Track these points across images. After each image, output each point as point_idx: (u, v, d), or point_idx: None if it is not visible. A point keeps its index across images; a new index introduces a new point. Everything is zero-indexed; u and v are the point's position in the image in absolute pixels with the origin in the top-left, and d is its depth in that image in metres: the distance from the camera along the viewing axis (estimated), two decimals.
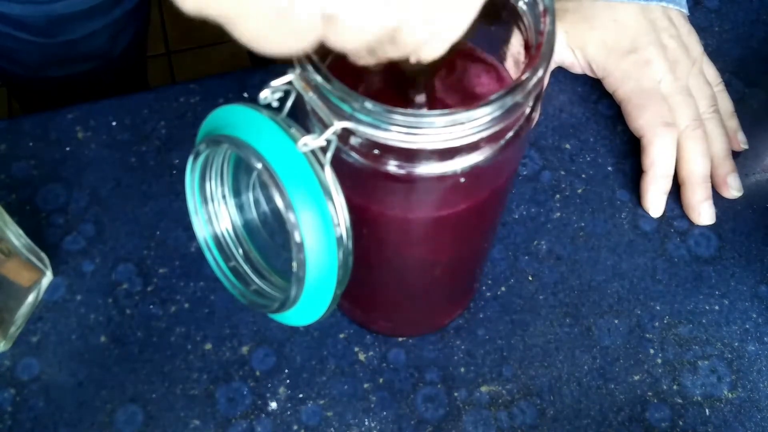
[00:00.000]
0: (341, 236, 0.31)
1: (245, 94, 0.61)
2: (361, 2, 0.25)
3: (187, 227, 0.55)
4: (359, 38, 0.27)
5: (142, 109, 0.60)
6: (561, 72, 0.63)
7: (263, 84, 0.31)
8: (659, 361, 0.53)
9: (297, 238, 0.31)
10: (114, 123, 0.59)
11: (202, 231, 0.38)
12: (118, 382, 0.51)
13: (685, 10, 0.62)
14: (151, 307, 0.53)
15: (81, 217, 0.56)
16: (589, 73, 0.62)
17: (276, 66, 0.31)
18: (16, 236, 0.50)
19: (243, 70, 0.63)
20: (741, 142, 0.60)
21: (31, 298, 0.52)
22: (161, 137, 0.59)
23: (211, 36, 1.70)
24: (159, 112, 0.60)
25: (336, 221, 0.31)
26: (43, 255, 0.52)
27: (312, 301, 0.34)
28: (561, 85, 0.63)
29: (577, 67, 0.61)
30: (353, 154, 0.32)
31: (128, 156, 0.58)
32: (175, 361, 0.51)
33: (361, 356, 0.52)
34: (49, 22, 0.71)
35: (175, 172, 0.58)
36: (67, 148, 0.58)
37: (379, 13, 0.26)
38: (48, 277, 0.53)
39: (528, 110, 0.33)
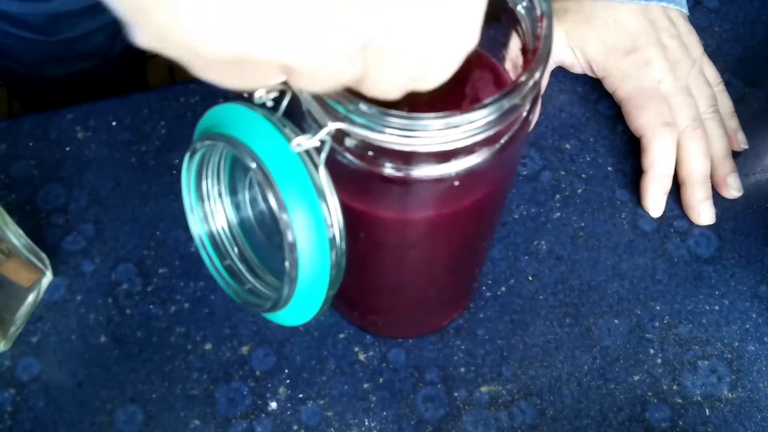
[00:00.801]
0: (334, 237, 0.31)
1: (245, 94, 0.60)
2: (319, 58, 0.24)
3: (188, 227, 0.55)
4: (322, 85, 0.26)
5: (142, 109, 0.60)
6: (561, 72, 0.63)
7: None
8: (659, 361, 0.52)
9: (289, 237, 0.31)
10: (114, 123, 0.60)
11: (197, 229, 0.38)
12: (118, 382, 0.51)
13: (685, 10, 0.62)
14: (151, 307, 0.53)
15: (81, 217, 0.56)
16: (589, 73, 0.61)
17: None
18: (16, 236, 0.50)
19: None
20: (741, 142, 0.60)
21: (31, 298, 0.52)
22: (161, 137, 0.59)
23: None
24: (159, 112, 0.60)
25: (329, 222, 0.31)
26: (43, 255, 0.52)
27: (304, 301, 0.34)
28: (561, 85, 0.63)
29: (577, 67, 0.61)
30: (348, 155, 0.32)
31: (128, 156, 0.58)
32: (175, 361, 0.51)
33: (361, 356, 0.52)
34: (49, 20, 0.71)
35: (174, 172, 0.58)
36: (67, 148, 0.58)
37: (338, 67, 0.25)
38: (48, 277, 0.53)
39: (525, 113, 0.33)
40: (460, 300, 0.53)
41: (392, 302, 0.49)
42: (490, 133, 0.31)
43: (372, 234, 0.38)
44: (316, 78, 0.25)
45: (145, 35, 0.23)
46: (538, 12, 0.32)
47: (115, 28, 0.77)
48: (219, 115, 0.34)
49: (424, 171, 0.32)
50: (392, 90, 0.27)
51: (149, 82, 0.99)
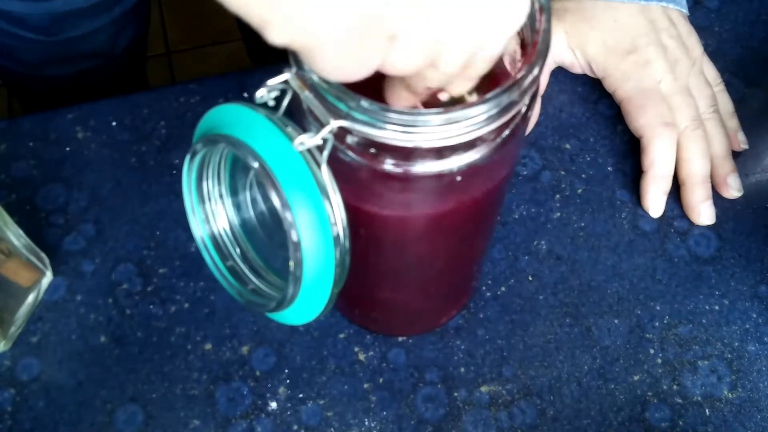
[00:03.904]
0: (338, 235, 0.31)
1: (245, 94, 0.61)
2: (416, 21, 0.27)
3: (187, 227, 0.55)
4: (411, 59, 0.29)
5: (142, 109, 0.60)
6: (561, 72, 0.63)
7: (262, 84, 0.31)
8: (659, 361, 0.52)
9: (294, 237, 0.31)
10: (114, 123, 0.60)
11: (199, 230, 0.38)
12: (118, 382, 0.51)
13: (685, 10, 0.62)
14: (151, 307, 0.53)
15: (81, 217, 0.56)
16: (589, 73, 0.61)
17: (275, 66, 0.31)
18: (16, 236, 0.50)
19: (243, 70, 0.63)
20: (741, 142, 0.60)
21: (31, 298, 0.52)
22: (161, 137, 0.59)
23: (211, 36, 1.70)
24: (159, 112, 0.60)
25: (333, 220, 0.31)
26: (43, 255, 0.52)
27: (309, 300, 0.34)
28: (561, 85, 0.63)
29: (577, 67, 0.61)
30: (350, 152, 0.32)
31: (128, 156, 0.58)
32: (175, 361, 0.51)
33: (361, 356, 0.52)
34: (50, 20, 0.71)
35: (174, 172, 0.58)
36: (67, 148, 0.58)
37: (431, 33, 0.28)
38: (48, 277, 0.53)
39: (524, 109, 0.33)
40: (459, 298, 0.53)
41: (392, 299, 0.49)
42: (490, 128, 0.31)
43: (373, 230, 0.38)
44: (409, 52, 0.29)
45: (277, 35, 0.27)
46: (537, 6, 0.33)
47: (116, 28, 0.77)
48: (219, 116, 0.34)
49: (424, 167, 0.32)
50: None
51: (149, 82, 0.99)
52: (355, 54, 0.28)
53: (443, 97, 0.34)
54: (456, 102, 0.34)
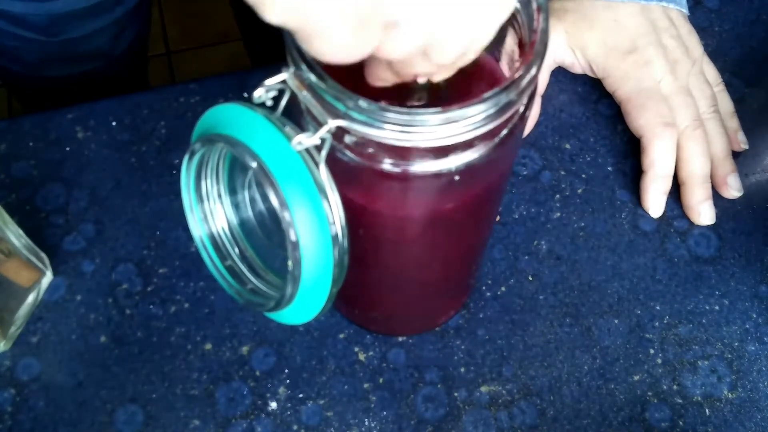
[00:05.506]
0: (336, 234, 0.31)
1: (245, 94, 0.61)
2: (417, 11, 0.27)
3: (187, 227, 0.55)
4: (406, 47, 0.29)
5: (142, 109, 0.60)
6: (561, 72, 0.63)
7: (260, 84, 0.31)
8: (659, 361, 0.52)
9: (292, 236, 0.31)
10: (114, 123, 0.60)
11: (197, 230, 0.38)
12: (118, 382, 0.51)
13: (686, 10, 0.62)
14: (151, 307, 0.53)
15: (81, 217, 0.56)
16: (589, 73, 0.61)
17: (275, 66, 0.31)
18: (16, 236, 0.50)
19: (243, 70, 0.63)
20: (741, 142, 0.60)
21: (31, 298, 0.52)
22: (161, 137, 0.59)
23: (211, 36, 1.70)
24: (159, 112, 0.60)
25: (331, 219, 0.31)
26: (43, 255, 0.52)
27: (308, 299, 0.34)
28: (561, 85, 0.63)
29: (577, 67, 0.61)
30: (348, 152, 0.32)
31: (128, 156, 0.58)
32: (175, 361, 0.51)
33: (361, 356, 0.52)
34: (51, 21, 0.71)
35: (175, 172, 0.58)
36: (67, 148, 0.58)
37: (429, 22, 0.28)
38: (48, 277, 0.53)
39: (522, 108, 0.33)
40: (458, 297, 0.53)
41: (391, 298, 0.49)
42: (488, 128, 0.31)
43: (371, 230, 0.38)
44: (404, 39, 0.28)
45: (273, 14, 0.27)
46: (535, 5, 0.33)
47: (117, 29, 0.77)
48: (218, 116, 0.34)
49: (422, 166, 0.32)
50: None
51: (149, 82, 0.99)
52: (351, 38, 0.27)
53: (421, 80, 0.34)
54: (432, 88, 0.34)
